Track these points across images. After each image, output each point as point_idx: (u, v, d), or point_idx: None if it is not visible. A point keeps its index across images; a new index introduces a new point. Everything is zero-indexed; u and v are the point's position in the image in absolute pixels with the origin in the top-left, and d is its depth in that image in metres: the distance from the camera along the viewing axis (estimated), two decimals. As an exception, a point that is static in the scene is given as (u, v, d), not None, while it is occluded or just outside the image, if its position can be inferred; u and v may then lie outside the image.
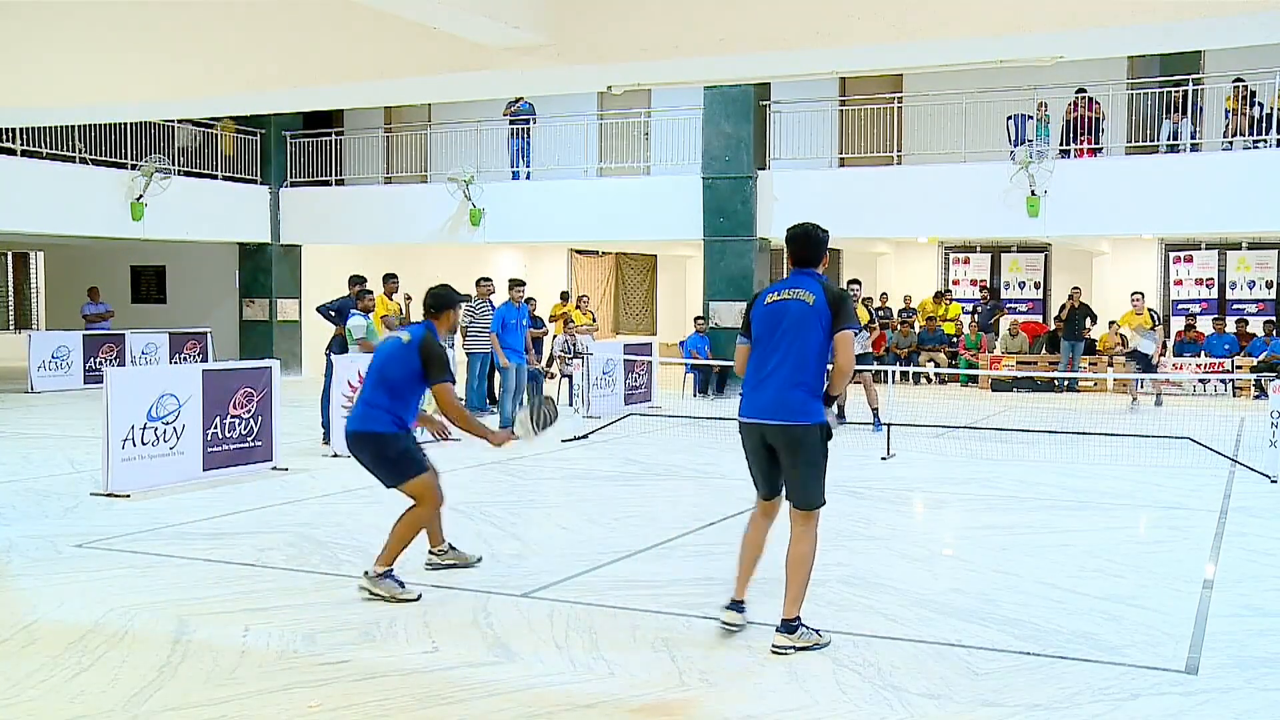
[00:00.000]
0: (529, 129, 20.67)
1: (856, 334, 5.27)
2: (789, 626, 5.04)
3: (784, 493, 5.22)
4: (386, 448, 6.03)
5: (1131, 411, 15.69)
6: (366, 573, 6.00)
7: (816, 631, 5.11)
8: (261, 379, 10.22)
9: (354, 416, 6.14)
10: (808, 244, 5.28)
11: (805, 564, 5.10)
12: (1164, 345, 18.26)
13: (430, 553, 6.57)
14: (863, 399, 13.39)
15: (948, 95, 17.96)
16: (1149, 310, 16.34)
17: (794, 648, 5.01)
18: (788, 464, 5.11)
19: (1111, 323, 19.25)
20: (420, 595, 5.93)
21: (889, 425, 11.60)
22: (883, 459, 10.98)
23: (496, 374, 15.14)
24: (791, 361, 5.06)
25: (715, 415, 14.11)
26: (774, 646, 5.03)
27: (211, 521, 8.00)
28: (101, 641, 5.16)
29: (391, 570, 5.97)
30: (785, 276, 5.32)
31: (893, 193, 17.82)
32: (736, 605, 5.34)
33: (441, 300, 6.31)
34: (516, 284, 13.40)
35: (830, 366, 5.16)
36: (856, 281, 15.39)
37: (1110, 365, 19.26)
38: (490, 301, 14.37)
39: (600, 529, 7.84)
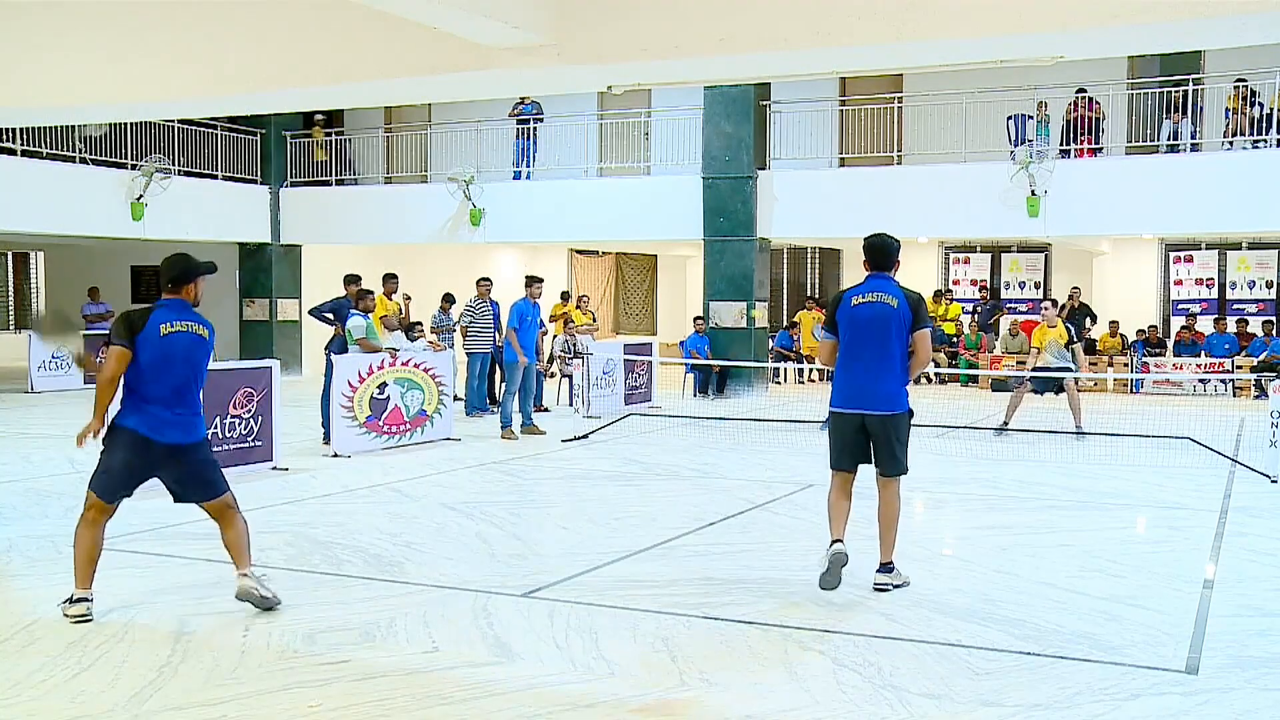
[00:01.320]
0: (534, 129, 20.66)
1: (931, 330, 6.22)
2: (886, 568, 6.10)
3: (872, 464, 6.11)
4: (211, 452, 5.70)
5: (997, 437, 12.49)
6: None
7: (902, 574, 6.13)
8: (261, 379, 10.22)
9: (185, 426, 5.50)
10: (884, 252, 6.12)
11: (895, 520, 6.10)
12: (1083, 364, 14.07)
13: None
14: None
15: (948, 95, 17.95)
16: (1064, 323, 13.09)
17: (891, 585, 6.05)
18: (881, 443, 6.01)
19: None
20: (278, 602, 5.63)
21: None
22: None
23: (496, 373, 15.17)
24: (882, 358, 5.94)
25: (715, 415, 14.11)
26: (875, 585, 6.05)
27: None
28: (101, 641, 5.16)
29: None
30: (864, 280, 6.11)
31: (893, 193, 17.80)
32: (840, 542, 6.04)
33: (177, 272, 5.58)
34: (535, 280, 13.21)
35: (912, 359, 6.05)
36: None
37: (1110, 365, 19.28)
38: (490, 301, 14.37)
39: (600, 529, 7.84)
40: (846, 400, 6.04)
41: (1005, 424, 12.72)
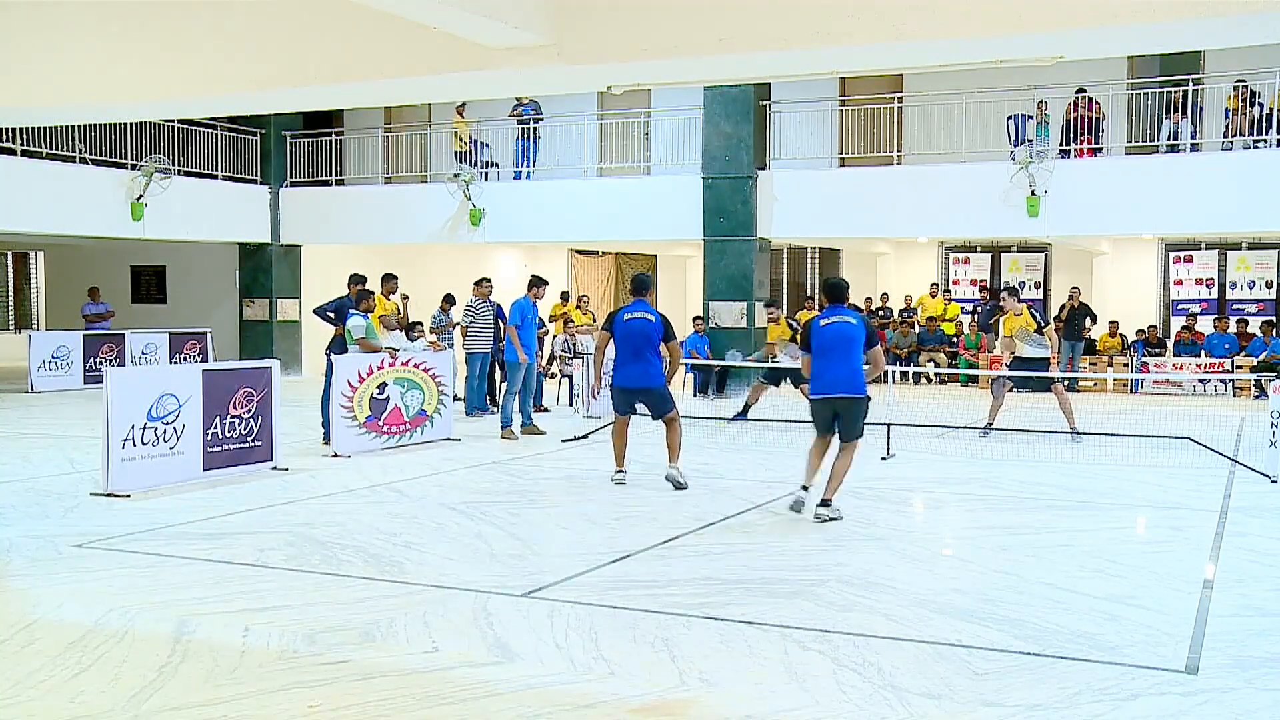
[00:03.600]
0: (534, 129, 20.64)
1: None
2: (826, 503, 7.96)
3: (838, 433, 8.25)
4: (668, 390, 9.60)
5: (983, 437, 12.40)
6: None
7: (839, 510, 7.96)
8: (261, 379, 10.21)
9: (642, 375, 9.48)
10: (837, 291, 8.43)
11: (846, 469, 8.14)
12: (1056, 352, 13.96)
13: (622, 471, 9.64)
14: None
15: (948, 95, 17.95)
16: (1029, 310, 12.81)
17: (829, 516, 7.88)
18: (847, 417, 8.17)
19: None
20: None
21: (889, 425, 11.59)
22: (883, 459, 10.98)
23: (496, 373, 15.15)
24: (849, 361, 8.16)
25: (715, 415, 14.10)
26: (816, 514, 7.92)
27: (211, 521, 8.00)
28: (101, 641, 5.16)
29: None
30: (826, 308, 8.44)
31: (893, 193, 17.81)
32: (807, 489, 8.19)
33: (643, 283, 9.87)
34: (539, 282, 13.28)
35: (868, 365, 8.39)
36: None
37: (1110, 365, 19.28)
38: (490, 301, 14.37)
39: (600, 529, 7.84)
40: (825, 388, 8.19)
41: (990, 425, 12.61)
